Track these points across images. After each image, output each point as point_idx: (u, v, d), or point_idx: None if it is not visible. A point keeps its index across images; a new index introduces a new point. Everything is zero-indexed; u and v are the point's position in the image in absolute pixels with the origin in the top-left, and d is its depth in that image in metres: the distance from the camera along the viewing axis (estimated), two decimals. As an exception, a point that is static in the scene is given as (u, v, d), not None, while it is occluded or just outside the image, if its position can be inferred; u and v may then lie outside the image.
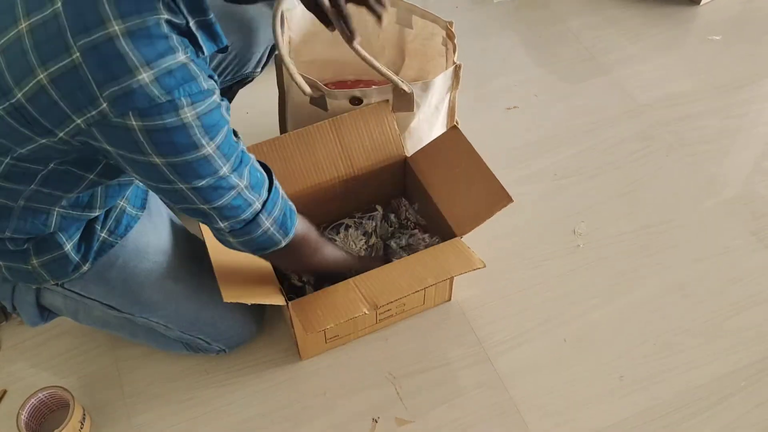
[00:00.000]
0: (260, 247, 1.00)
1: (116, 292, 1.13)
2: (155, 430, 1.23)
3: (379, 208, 1.40)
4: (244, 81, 1.39)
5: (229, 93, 1.41)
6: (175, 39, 0.79)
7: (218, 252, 1.12)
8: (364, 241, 1.35)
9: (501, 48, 1.90)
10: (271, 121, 1.47)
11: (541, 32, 1.93)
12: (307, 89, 1.27)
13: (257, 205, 0.94)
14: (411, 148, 1.38)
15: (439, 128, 1.43)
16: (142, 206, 1.15)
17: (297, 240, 1.03)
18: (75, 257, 1.06)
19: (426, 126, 1.38)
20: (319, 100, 1.29)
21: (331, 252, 1.16)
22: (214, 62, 1.27)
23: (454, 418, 1.23)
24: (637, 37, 1.89)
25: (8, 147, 0.86)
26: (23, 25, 0.77)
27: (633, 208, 1.51)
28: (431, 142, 1.32)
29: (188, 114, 0.80)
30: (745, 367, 1.28)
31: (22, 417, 1.17)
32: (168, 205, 1.06)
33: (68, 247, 1.04)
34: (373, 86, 1.45)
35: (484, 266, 1.15)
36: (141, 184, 1.06)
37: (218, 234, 0.99)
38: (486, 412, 1.24)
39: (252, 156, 0.95)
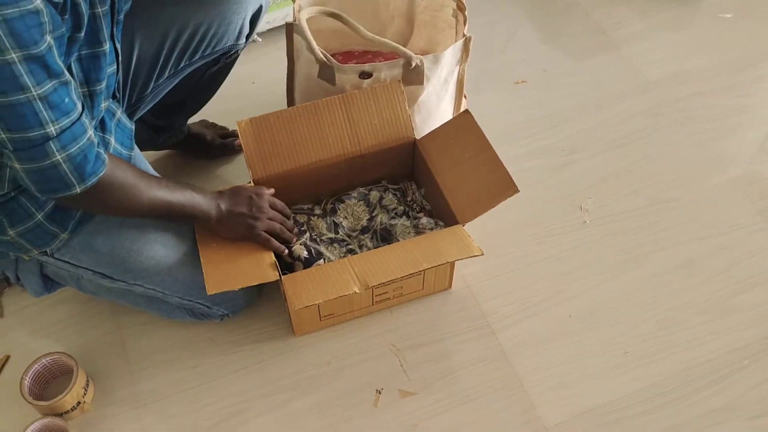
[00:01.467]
0: (49, 186, 0.90)
1: (105, 260, 1.12)
2: (159, 397, 1.23)
3: (384, 181, 1.38)
4: (229, 56, 1.33)
5: (217, 75, 1.38)
6: None
7: (205, 235, 1.14)
8: (367, 212, 1.33)
9: (509, 21, 1.87)
10: (279, 90, 1.46)
11: (550, 6, 1.91)
12: (321, 56, 1.26)
13: (50, 130, 0.85)
14: (420, 122, 1.37)
15: (448, 101, 1.41)
16: None
17: (100, 188, 0.94)
18: (50, 226, 1.05)
19: (435, 99, 1.37)
20: (327, 73, 1.27)
21: (157, 199, 1.04)
22: (176, 36, 1.22)
23: (458, 391, 1.23)
24: (647, 13, 1.87)
25: None
26: None
27: (640, 186, 1.51)
28: (441, 126, 1.30)
29: None
30: (748, 345, 1.27)
31: (26, 383, 1.17)
32: None
33: (40, 216, 1.04)
34: (383, 60, 1.44)
35: (482, 254, 1.14)
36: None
37: (9, 158, 0.89)
38: (490, 386, 1.24)
39: (72, 83, 0.87)
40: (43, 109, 0.84)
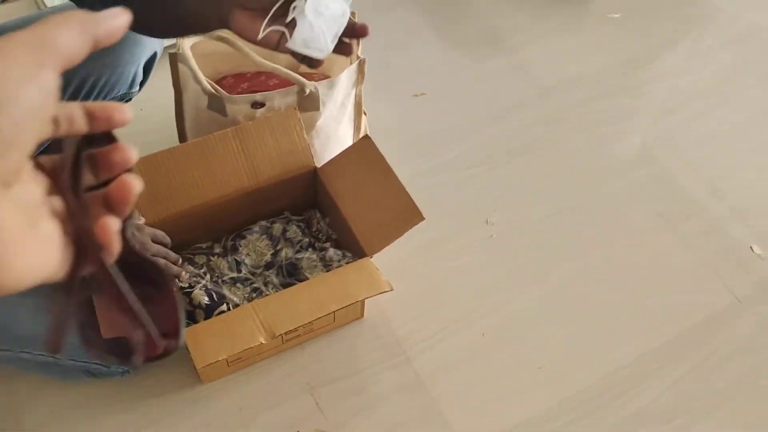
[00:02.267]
0: None
1: None
2: (59, 466, 1.15)
3: (286, 213, 1.34)
4: (121, 101, 1.26)
5: None
6: None
7: None
8: (271, 246, 1.28)
9: (405, 28, 1.85)
10: (170, 116, 1.38)
11: (445, 13, 1.90)
12: (208, 87, 1.19)
13: None
14: (319, 147, 1.32)
15: (346, 123, 1.37)
16: None
17: None
18: None
19: (333, 123, 1.33)
20: (217, 105, 1.21)
21: None
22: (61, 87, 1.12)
23: (376, 424, 1.20)
24: (542, 17, 1.89)
25: None
26: None
27: (543, 195, 1.51)
28: (342, 152, 1.26)
29: None
30: (656, 348, 1.30)
31: None
32: None
33: None
34: (277, 81, 1.38)
35: (391, 289, 1.12)
36: None
37: None
38: (408, 415, 1.21)
39: None
40: None
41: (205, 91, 1.20)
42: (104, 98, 1.19)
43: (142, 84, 1.25)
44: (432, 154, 1.58)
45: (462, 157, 1.57)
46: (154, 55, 1.22)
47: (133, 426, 1.18)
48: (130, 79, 1.21)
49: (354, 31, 0.83)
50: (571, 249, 1.43)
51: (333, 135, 1.35)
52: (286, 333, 1.18)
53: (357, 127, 1.42)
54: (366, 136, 1.24)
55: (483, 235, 1.45)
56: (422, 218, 1.15)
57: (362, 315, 1.30)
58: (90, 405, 1.20)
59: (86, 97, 1.15)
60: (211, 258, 1.25)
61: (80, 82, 1.13)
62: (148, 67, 1.24)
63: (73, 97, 1.14)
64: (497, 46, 1.82)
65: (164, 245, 1.16)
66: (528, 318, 1.33)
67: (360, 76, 1.30)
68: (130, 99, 1.26)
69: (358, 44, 1.32)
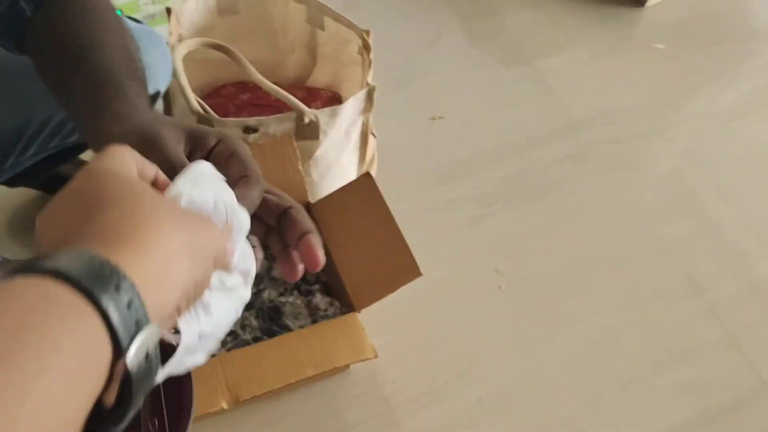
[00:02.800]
0: None
1: None
2: None
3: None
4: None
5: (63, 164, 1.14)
6: None
7: None
8: (253, 285, 1.16)
9: (428, 44, 1.71)
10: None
11: (474, 29, 1.75)
12: (196, 107, 1.07)
13: None
14: (317, 177, 1.20)
15: (350, 154, 1.25)
16: None
17: None
18: None
19: (334, 153, 1.20)
20: (205, 125, 1.08)
21: None
22: (47, 117, 0.97)
23: (352, 495, 1.09)
24: (577, 41, 1.74)
25: None
26: None
27: (560, 243, 1.38)
28: (339, 189, 1.13)
29: None
30: (671, 429, 1.17)
31: None
32: None
33: None
34: (277, 104, 1.26)
35: (376, 356, 1.00)
36: None
37: None
38: (388, 486, 1.10)
39: None
40: None
41: (192, 110, 1.07)
42: (63, 139, 1.02)
43: None
44: (445, 185, 1.44)
45: (477, 191, 1.44)
46: (157, 94, 1.09)
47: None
48: None
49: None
50: (586, 308, 1.30)
51: (334, 165, 1.22)
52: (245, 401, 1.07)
53: (362, 156, 1.29)
54: (367, 174, 1.11)
55: (490, 285, 1.31)
56: (419, 274, 1.03)
57: (348, 366, 1.18)
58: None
59: (74, 131, 1.01)
60: (186, 293, 1.13)
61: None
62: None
63: (59, 127, 0.99)
64: (527, 68, 1.67)
65: None
66: (531, 384, 1.20)
67: (368, 104, 1.17)
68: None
69: (369, 67, 1.18)
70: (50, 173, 1.24)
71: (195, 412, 0.72)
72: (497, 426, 1.16)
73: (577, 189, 1.46)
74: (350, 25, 1.24)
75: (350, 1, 1.26)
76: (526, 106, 1.60)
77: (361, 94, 1.14)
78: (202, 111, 1.07)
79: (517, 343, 1.25)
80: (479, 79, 1.64)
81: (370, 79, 1.16)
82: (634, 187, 1.48)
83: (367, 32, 1.21)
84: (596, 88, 1.65)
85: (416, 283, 1.23)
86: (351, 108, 1.14)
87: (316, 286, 1.17)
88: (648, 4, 1.80)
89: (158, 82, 1.06)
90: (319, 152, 1.16)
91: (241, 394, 0.94)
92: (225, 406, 0.93)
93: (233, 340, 1.10)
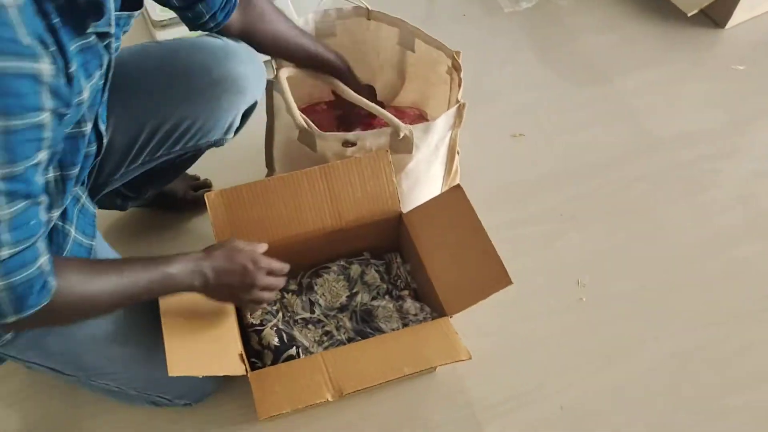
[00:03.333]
0: None
1: (57, 358, 1.01)
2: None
3: (366, 254, 1.28)
4: (212, 146, 1.20)
5: (194, 156, 1.26)
6: None
7: (173, 312, 1.00)
8: (347, 288, 1.23)
9: (509, 65, 1.77)
10: (258, 143, 1.35)
11: (553, 49, 1.80)
12: (301, 122, 1.15)
13: (2, 253, 0.70)
14: (407, 189, 1.27)
15: (438, 167, 1.31)
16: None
17: (43, 313, 0.77)
18: None
19: (424, 166, 1.26)
20: (307, 139, 1.17)
21: (120, 297, 0.88)
22: (156, 126, 1.09)
23: (438, 492, 1.14)
24: (656, 62, 1.77)
25: None
26: None
27: (641, 260, 1.41)
28: (430, 200, 1.20)
29: None
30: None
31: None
32: None
33: None
34: (368, 119, 1.33)
35: (470, 358, 1.05)
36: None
37: None
38: (472, 486, 1.14)
39: (44, 200, 0.73)
40: (4, 231, 0.69)
41: (297, 124, 1.16)
42: (198, 141, 1.14)
43: (237, 130, 1.20)
44: (526, 201, 1.49)
45: (557, 208, 1.48)
46: (254, 104, 1.18)
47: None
48: (227, 125, 1.15)
49: None
50: (668, 326, 1.32)
51: (423, 177, 1.29)
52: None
53: (449, 169, 1.35)
54: (458, 186, 1.17)
55: (572, 297, 1.35)
56: (510, 282, 1.08)
57: (435, 369, 1.24)
58: (151, 428, 1.18)
59: (179, 138, 1.12)
60: (285, 295, 1.21)
61: (176, 122, 1.09)
62: (246, 115, 1.19)
63: (167, 135, 1.10)
64: (606, 89, 1.71)
65: (282, 274, 1.07)
66: (608, 397, 1.23)
67: (458, 120, 1.23)
68: (223, 144, 1.20)
69: (459, 86, 1.25)
70: (157, 190, 1.35)
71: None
72: (578, 434, 1.19)
73: (655, 208, 1.49)
74: (440, 47, 1.31)
75: (428, 25, 1.32)
76: (605, 125, 1.63)
77: (452, 111, 1.20)
78: (305, 126, 1.15)
79: (597, 356, 1.28)
80: (558, 99, 1.69)
81: (460, 97, 1.22)
82: (712, 207, 1.49)
83: (458, 53, 1.27)
84: (674, 109, 1.67)
85: (500, 293, 1.29)
86: (442, 124, 1.20)
87: (406, 292, 1.24)
88: (728, 26, 1.81)
89: (255, 93, 1.16)
90: (410, 165, 1.23)
91: (344, 387, 1.00)
92: (330, 398, 0.99)
93: (329, 339, 1.17)
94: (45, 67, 0.64)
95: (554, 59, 1.78)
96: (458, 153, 1.39)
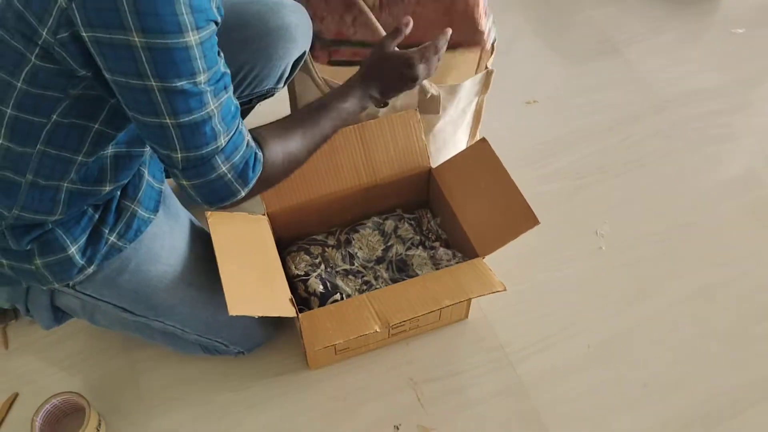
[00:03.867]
0: (217, 197, 0.91)
1: (129, 296, 1.09)
2: (173, 435, 1.21)
3: (399, 210, 1.36)
4: (263, 96, 1.29)
5: (247, 107, 1.34)
6: None
7: (227, 261, 1.08)
8: (382, 242, 1.31)
9: (519, 37, 1.85)
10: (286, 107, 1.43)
11: (561, 21, 1.89)
12: (320, 83, 1.23)
13: (220, 141, 0.85)
14: (434, 151, 1.35)
15: (464, 131, 1.39)
16: (155, 209, 1.09)
17: (262, 179, 0.94)
18: (80, 260, 1.01)
19: (451, 128, 1.34)
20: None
21: (312, 142, 1.03)
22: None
23: (477, 427, 1.21)
24: (660, 29, 1.85)
25: (6, 83, 0.83)
26: None
27: (656, 209, 1.49)
28: (458, 154, 1.28)
29: None
30: (764, 379, 1.26)
31: (37, 423, 1.14)
32: (139, 131, 0.88)
33: (72, 249, 1.00)
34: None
35: (504, 289, 1.12)
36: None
37: (174, 175, 0.90)
38: (508, 420, 1.22)
39: (231, 85, 0.87)
40: (218, 122, 0.84)
41: (321, 89, 1.23)
42: (253, 89, 1.23)
43: (286, 80, 1.28)
44: (542, 162, 1.57)
45: (573, 166, 1.56)
46: (303, 54, 1.26)
47: (243, 404, 1.23)
48: (279, 74, 1.24)
49: None
50: (683, 267, 1.40)
51: (450, 140, 1.37)
52: (393, 327, 1.21)
53: (473, 134, 1.43)
54: (483, 139, 1.25)
55: (592, 246, 1.43)
56: (537, 222, 1.16)
57: (467, 316, 1.31)
58: (204, 380, 1.26)
59: (237, 85, 1.20)
60: (326, 249, 1.29)
61: (236, 69, 1.17)
62: (295, 65, 1.27)
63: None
64: (612, 56, 1.79)
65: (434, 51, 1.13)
66: (634, 333, 1.31)
67: (485, 86, 1.31)
68: (274, 95, 1.30)
69: (492, 54, 1.32)
70: None
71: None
72: (606, 370, 1.27)
73: (668, 161, 1.57)
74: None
75: None
76: (614, 89, 1.72)
77: (479, 77, 1.28)
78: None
79: (620, 298, 1.36)
80: (567, 68, 1.77)
81: (489, 64, 1.30)
82: (723, 157, 1.58)
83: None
84: (681, 71, 1.75)
85: (521, 244, 1.37)
86: (468, 88, 1.28)
87: (437, 243, 1.31)
88: (725, -7, 1.91)
89: (304, 43, 1.24)
90: (438, 126, 1.31)
91: (390, 319, 1.08)
92: (377, 329, 1.07)
93: (368, 288, 1.25)
94: None
95: (560, 33, 1.87)
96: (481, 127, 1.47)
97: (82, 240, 1.01)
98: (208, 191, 0.90)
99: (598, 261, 1.41)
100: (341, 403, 1.23)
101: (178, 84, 0.79)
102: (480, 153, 1.25)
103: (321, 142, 1.05)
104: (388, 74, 1.08)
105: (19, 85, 0.83)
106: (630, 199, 1.50)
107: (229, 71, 0.86)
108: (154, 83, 0.78)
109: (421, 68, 1.09)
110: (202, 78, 0.80)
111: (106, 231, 1.02)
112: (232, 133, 0.87)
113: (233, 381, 1.26)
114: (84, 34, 0.76)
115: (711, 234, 1.45)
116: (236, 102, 0.88)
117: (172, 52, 0.77)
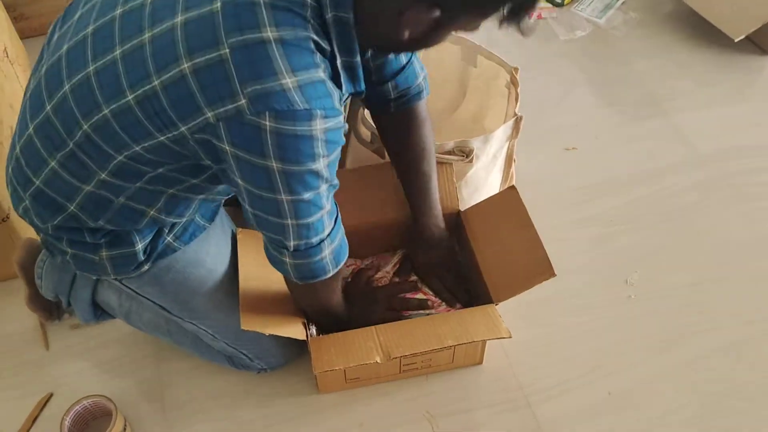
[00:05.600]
0: (311, 274, 1.02)
1: (169, 296, 1.16)
2: (192, 447, 1.25)
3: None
4: None
5: None
6: (319, 57, 0.84)
7: (249, 277, 1.15)
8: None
9: (564, 85, 1.88)
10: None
11: (606, 73, 1.91)
12: (368, 138, 1.29)
13: (327, 231, 0.97)
14: (467, 196, 1.38)
15: (496, 174, 1.42)
16: (211, 219, 1.19)
17: (337, 274, 1.06)
18: (141, 257, 1.09)
19: (483, 174, 1.38)
20: (379, 150, 1.31)
21: (340, 298, 1.19)
22: None
23: (491, 464, 1.22)
24: (704, 84, 1.86)
25: (125, 142, 0.90)
26: (179, 18, 0.82)
27: (688, 262, 1.48)
28: (486, 199, 1.32)
29: (319, 126, 0.84)
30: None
31: (66, 423, 1.19)
32: (247, 219, 0.99)
33: (139, 246, 1.08)
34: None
35: (510, 336, 1.15)
36: (233, 191, 1.06)
37: (277, 253, 1.01)
38: (523, 460, 1.22)
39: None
40: (325, 218, 0.96)
41: (372, 139, 1.29)
42: None
43: None
44: (577, 207, 1.59)
45: (607, 213, 1.57)
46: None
47: (261, 422, 1.27)
48: None
49: None
50: (712, 321, 1.38)
51: (482, 185, 1.40)
52: (404, 363, 1.25)
53: (506, 176, 1.46)
54: (512, 187, 1.28)
55: (621, 294, 1.43)
56: (553, 274, 1.17)
57: (481, 361, 1.32)
58: (228, 396, 1.30)
59: None
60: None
61: (361, 97, 1.25)
62: None
63: None
64: (655, 108, 1.80)
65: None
66: (658, 384, 1.30)
67: (515, 131, 1.35)
68: None
69: (516, 101, 1.36)
70: None
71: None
72: (627, 419, 1.26)
73: (703, 215, 1.56)
74: (501, 63, 1.43)
75: (491, 42, 1.46)
76: (654, 140, 1.73)
77: (509, 123, 1.32)
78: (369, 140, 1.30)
79: (645, 348, 1.35)
80: (610, 118, 1.79)
81: (517, 110, 1.34)
82: (758, 215, 1.56)
83: (516, 69, 1.39)
84: (723, 127, 1.75)
85: (551, 288, 1.38)
86: (500, 135, 1.32)
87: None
88: (773, 52, 1.90)
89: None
90: (470, 173, 1.35)
91: (392, 352, 1.13)
92: (378, 360, 1.12)
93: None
94: (343, 116, 0.92)
95: (607, 82, 1.89)
96: (515, 161, 1.50)
97: (148, 238, 1.10)
98: (308, 270, 1.01)
99: (626, 309, 1.41)
100: (357, 429, 1.25)
101: (305, 196, 0.90)
102: (508, 200, 1.28)
103: (335, 308, 1.19)
104: (373, 314, 1.27)
105: (135, 148, 0.90)
106: (662, 251, 1.50)
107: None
108: (284, 197, 0.88)
109: (382, 310, 1.28)
110: (324, 188, 0.92)
111: (166, 231, 1.11)
112: (334, 222, 1.00)
113: (254, 398, 1.30)
114: (226, 147, 0.85)
115: (742, 290, 1.43)
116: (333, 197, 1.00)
117: (305, 175, 0.88)
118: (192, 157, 0.91)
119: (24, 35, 1.93)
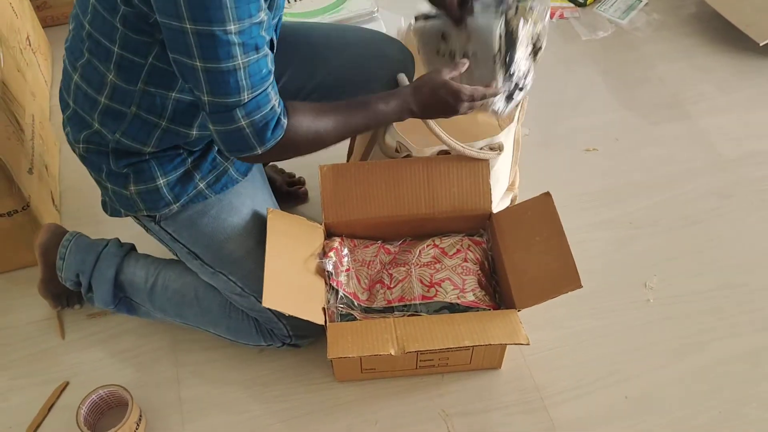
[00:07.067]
0: (235, 146, 1.01)
1: (204, 240, 1.20)
2: (208, 440, 1.25)
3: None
4: None
5: None
6: None
7: (275, 255, 1.16)
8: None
9: (585, 86, 1.87)
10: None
11: (628, 75, 1.90)
12: (392, 148, 1.30)
13: (243, 96, 0.94)
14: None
15: (506, 161, 1.40)
16: (245, 173, 1.23)
17: (281, 146, 1.02)
18: (167, 194, 1.15)
19: (501, 166, 1.37)
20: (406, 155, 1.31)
21: (341, 133, 1.10)
22: (321, 80, 1.29)
23: (506, 465, 1.21)
24: (727, 89, 1.84)
25: (111, 25, 0.98)
26: None
27: (708, 267, 1.47)
28: (520, 204, 1.32)
29: None
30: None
31: (82, 412, 1.20)
32: (178, 73, 0.97)
33: (161, 181, 1.14)
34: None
35: (528, 343, 1.14)
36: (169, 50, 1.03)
37: (205, 119, 1.00)
38: (538, 462, 1.21)
39: (269, 53, 0.96)
40: (244, 78, 0.93)
41: (398, 148, 1.30)
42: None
43: None
44: (596, 209, 1.58)
45: (627, 216, 1.56)
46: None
47: (277, 417, 1.27)
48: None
49: None
50: (730, 328, 1.37)
51: (501, 175, 1.39)
52: (421, 360, 1.25)
53: (515, 160, 1.44)
54: (547, 193, 1.26)
55: (640, 297, 1.42)
56: (579, 285, 1.15)
57: (500, 366, 1.31)
58: (243, 390, 1.30)
59: (338, 95, 1.23)
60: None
61: (336, 78, 1.29)
62: None
63: (328, 90, 1.28)
64: (677, 112, 1.79)
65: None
66: (675, 389, 1.29)
67: (521, 114, 1.36)
68: None
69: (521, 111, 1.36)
70: None
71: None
72: (644, 422, 1.25)
73: (724, 220, 1.55)
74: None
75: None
76: (676, 144, 1.71)
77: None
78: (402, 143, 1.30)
79: (663, 352, 1.34)
80: (632, 119, 1.78)
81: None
82: (784, 220, 1.55)
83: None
84: (745, 131, 1.73)
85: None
86: (513, 124, 1.33)
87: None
88: (799, 58, 1.88)
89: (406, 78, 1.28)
90: (496, 167, 1.34)
91: (407, 346, 1.13)
92: (392, 353, 1.12)
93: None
94: None
95: (628, 84, 1.87)
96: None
97: (173, 177, 1.15)
98: (227, 139, 0.99)
99: (645, 313, 1.40)
100: (372, 426, 1.25)
101: (208, 28, 0.87)
102: (541, 206, 1.26)
103: (349, 133, 1.13)
104: (435, 98, 1.13)
105: (119, 27, 0.97)
106: (682, 255, 1.49)
107: (267, 38, 0.95)
108: (189, 25, 0.87)
109: (465, 105, 1.13)
110: (231, 27, 0.88)
111: (197, 177, 1.17)
112: (257, 93, 0.95)
113: (271, 392, 1.30)
114: None
115: (762, 297, 1.42)
116: (270, 67, 0.97)
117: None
118: (144, 18, 0.94)
119: (46, 24, 1.94)
